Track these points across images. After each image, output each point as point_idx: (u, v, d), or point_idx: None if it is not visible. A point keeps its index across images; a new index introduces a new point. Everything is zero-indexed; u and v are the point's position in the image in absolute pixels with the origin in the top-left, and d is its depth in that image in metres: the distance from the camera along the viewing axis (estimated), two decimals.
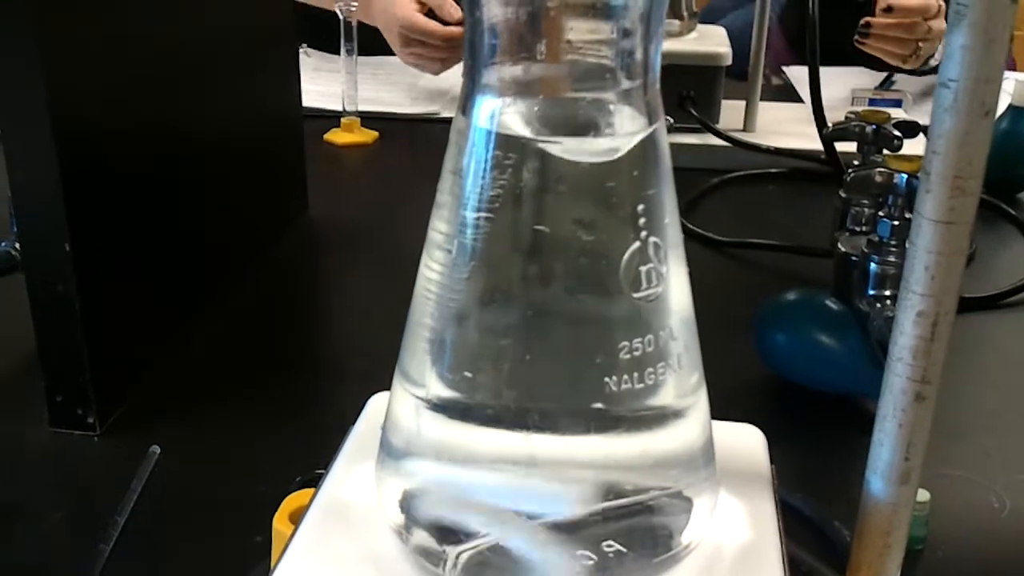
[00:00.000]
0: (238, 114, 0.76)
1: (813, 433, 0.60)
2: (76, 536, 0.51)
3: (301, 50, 1.06)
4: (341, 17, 1.07)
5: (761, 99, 1.09)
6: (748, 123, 1.08)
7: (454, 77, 1.24)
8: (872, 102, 1.24)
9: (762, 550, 0.33)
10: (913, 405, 0.31)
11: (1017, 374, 0.70)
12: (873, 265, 0.60)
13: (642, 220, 0.30)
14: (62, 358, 0.56)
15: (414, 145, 1.10)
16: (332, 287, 0.80)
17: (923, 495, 0.50)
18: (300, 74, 0.88)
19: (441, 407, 0.31)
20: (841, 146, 0.87)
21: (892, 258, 0.59)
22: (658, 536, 0.32)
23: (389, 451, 0.33)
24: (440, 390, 0.31)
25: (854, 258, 0.62)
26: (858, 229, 0.69)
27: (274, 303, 0.76)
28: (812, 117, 0.89)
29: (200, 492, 0.54)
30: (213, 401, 0.62)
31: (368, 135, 1.10)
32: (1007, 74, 1.30)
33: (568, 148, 0.29)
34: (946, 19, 0.39)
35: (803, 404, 0.62)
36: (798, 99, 1.26)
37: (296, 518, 0.35)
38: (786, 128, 1.09)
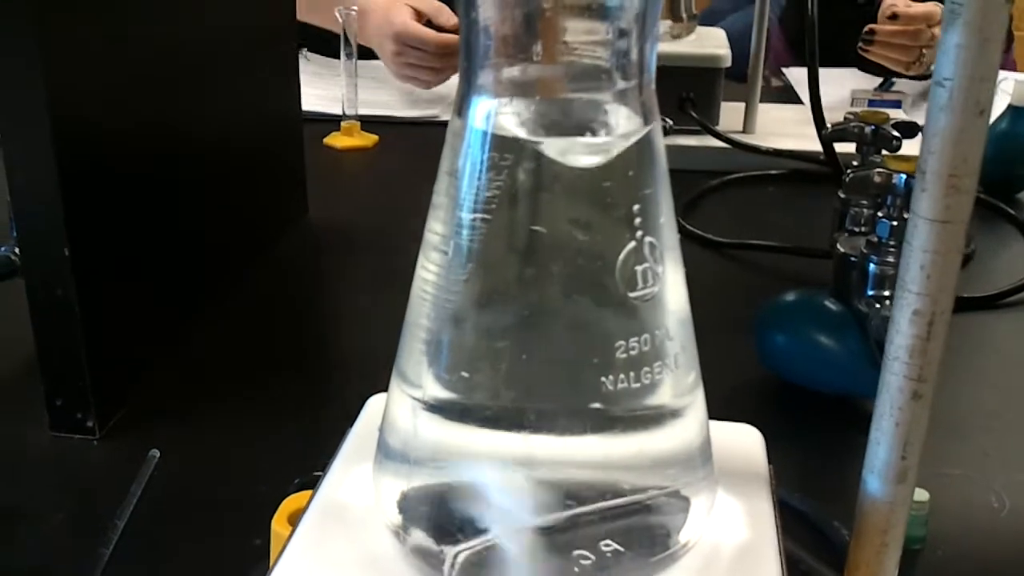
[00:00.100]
0: (238, 115, 0.76)
1: (812, 434, 0.60)
2: (76, 539, 0.51)
3: (301, 54, 1.06)
4: (340, 21, 1.07)
5: (761, 101, 1.09)
6: (748, 125, 1.08)
7: (453, 81, 1.24)
8: (872, 103, 1.24)
9: (760, 549, 0.33)
10: (910, 403, 0.31)
11: (1016, 374, 0.70)
12: (872, 266, 0.60)
13: (638, 220, 0.30)
14: (62, 362, 0.56)
15: (413, 149, 1.10)
16: (331, 289, 0.81)
17: (922, 495, 0.50)
18: (299, 76, 0.88)
19: (438, 408, 0.31)
20: (840, 147, 0.87)
21: (891, 258, 0.59)
22: (656, 535, 0.32)
23: (386, 452, 0.33)
24: (437, 391, 0.31)
25: (853, 259, 0.62)
26: (857, 230, 0.69)
27: (273, 305, 0.76)
28: (811, 118, 0.89)
29: (199, 494, 0.54)
30: (213, 403, 0.62)
31: (368, 139, 1.10)
32: (1007, 74, 1.30)
33: (564, 149, 0.29)
34: None
35: (802, 405, 0.62)
36: (798, 100, 1.26)
37: (295, 520, 0.35)
38: (786, 129, 1.09)
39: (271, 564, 0.33)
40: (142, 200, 0.62)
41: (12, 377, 0.65)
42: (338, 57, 1.10)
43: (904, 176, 0.61)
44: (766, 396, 0.64)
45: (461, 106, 0.30)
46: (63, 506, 0.53)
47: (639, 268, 0.30)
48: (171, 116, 0.65)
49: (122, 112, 0.59)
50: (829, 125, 0.86)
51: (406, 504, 0.32)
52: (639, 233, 0.30)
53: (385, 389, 0.34)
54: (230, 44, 0.74)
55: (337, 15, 1.07)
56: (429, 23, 1.20)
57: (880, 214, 0.61)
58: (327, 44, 1.24)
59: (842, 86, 1.30)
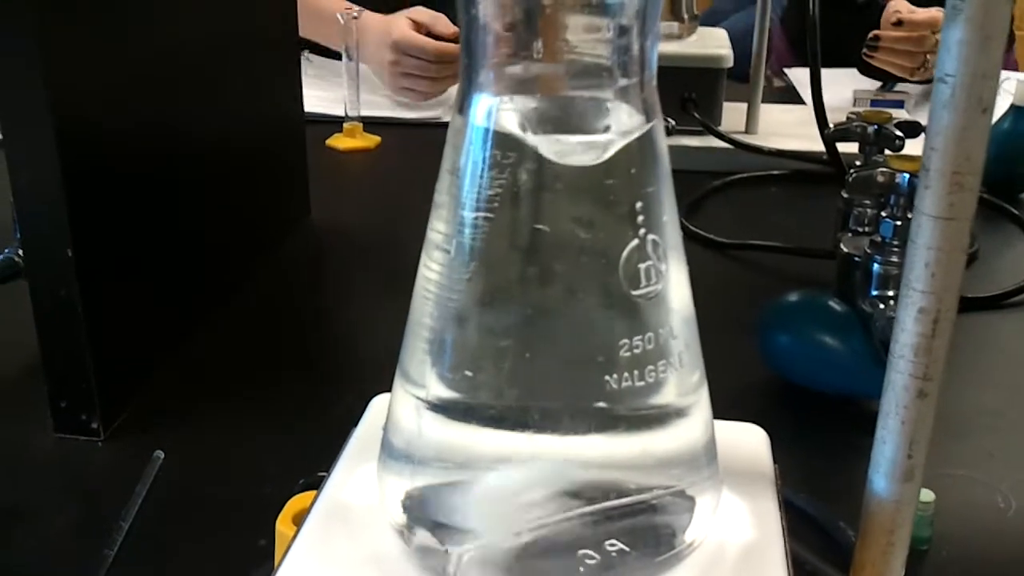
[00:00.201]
0: (240, 117, 0.76)
1: (816, 434, 0.60)
2: (81, 540, 0.51)
3: (303, 56, 1.06)
4: (343, 23, 1.07)
5: (763, 101, 1.09)
6: (750, 125, 1.08)
7: (455, 83, 1.24)
8: (874, 103, 1.24)
9: (765, 549, 0.33)
10: (915, 402, 0.31)
11: (1021, 374, 0.70)
12: (876, 265, 0.60)
13: (641, 217, 0.30)
14: (66, 363, 0.56)
15: (415, 150, 1.10)
16: (334, 290, 0.81)
17: (928, 495, 0.50)
18: (302, 77, 0.88)
19: (441, 407, 0.31)
20: (843, 147, 0.87)
21: (895, 258, 0.59)
22: (661, 535, 0.31)
23: (390, 452, 0.33)
24: (440, 390, 0.31)
25: (857, 259, 0.62)
26: (860, 230, 0.69)
27: (277, 306, 0.76)
28: (814, 118, 0.89)
29: (204, 495, 0.54)
30: (217, 404, 0.62)
31: (370, 140, 1.10)
32: (1009, 74, 1.30)
33: (566, 146, 0.29)
34: None
35: (807, 406, 0.62)
36: (800, 101, 1.26)
37: (299, 520, 0.35)
38: (788, 130, 1.09)
39: (276, 564, 0.33)
40: (145, 201, 0.62)
41: (16, 379, 0.65)
42: (340, 59, 1.10)
43: (907, 176, 0.61)
44: (770, 397, 0.64)
45: (462, 104, 0.30)
46: (67, 507, 0.53)
47: (642, 266, 0.30)
48: (173, 117, 0.65)
49: (125, 113, 0.59)
50: (831, 125, 0.86)
51: (410, 504, 0.32)
52: (642, 231, 0.30)
53: (389, 389, 0.34)
54: (232, 45, 0.74)
55: (339, 17, 1.07)
56: (428, 35, 1.20)
57: (883, 214, 0.61)
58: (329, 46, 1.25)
59: (844, 86, 1.30)
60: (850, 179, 0.73)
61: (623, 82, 0.30)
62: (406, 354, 0.33)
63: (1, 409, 0.62)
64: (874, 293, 0.60)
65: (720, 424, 0.35)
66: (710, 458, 0.33)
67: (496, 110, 0.30)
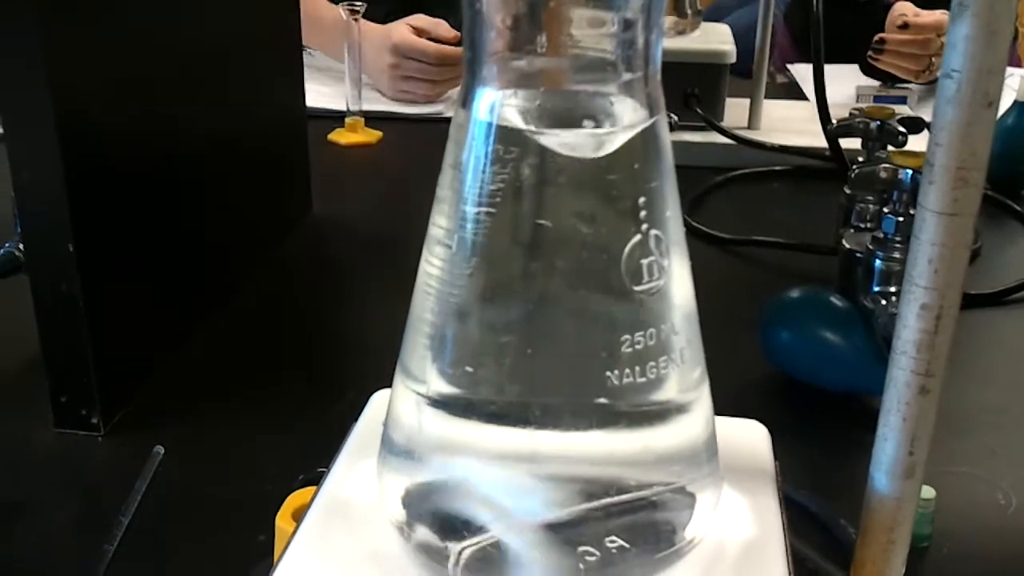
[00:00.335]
0: (242, 113, 0.76)
1: (819, 431, 0.60)
2: (81, 536, 0.51)
3: (305, 51, 1.06)
4: (345, 18, 1.07)
5: (766, 97, 1.09)
6: (753, 121, 1.08)
7: (455, 86, 1.24)
8: (877, 99, 1.24)
9: (766, 545, 0.33)
10: (917, 399, 0.31)
11: (1023, 370, 0.69)
12: (878, 261, 0.60)
13: (643, 213, 0.29)
14: (66, 358, 0.56)
15: (417, 145, 1.09)
16: (336, 287, 0.80)
17: (929, 492, 0.50)
18: (303, 72, 0.88)
19: (442, 403, 0.31)
20: (846, 143, 0.87)
21: (897, 254, 0.59)
22: (661, 532, 0.31)
23: (390, 448, 0.33)
24: (441, 386, 0.31)
25: (859, 255, 0.61)
26: (863, 226, 0.68)
27: (278, 302, 0.76)
28: (817, 114, 0.89)
29: (204, 491, 0.54)
30: (217, 400, 0.62)
31: (372, 135, 1.10)
32: (1013, 70, 1.30)
33: (568, 140, 0.29)
34: None
35: (808, 402, 0.62)
36: (803, 97, 1.26)
37: (299, 516, 0.35)
38: (791, 126, 1.09)
39: (275, 560, 0.33)
40: (146, 197, 0.62)
41: (17, 373, 0.65)
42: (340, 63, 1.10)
43: (910, 172, 0.61)
44: (772, 393, 0.64)
45: (465, 98, 0.30)
46: (67, 503, 0.53)
47: (644, 261, 0.29)
48: (175, 113, 0.65)
49: (126, 109, 0.59)
50: (834, 121, 0.86)
51: (410, 500, 0.32)
52: (644, 226, 0.29)
53: (390, 385, 0.34)
54: (233, 41, 0.74)
55: (341, 12, 1.07)
56: (429, 40, 1.21)
57: (886, 210, 0.61)
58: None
59: (848, 82, 1.30)
60: (852, 175, 0.72)
61: (627, 76, 0.30)
62: (407, 350, 0.32)
63: (2, 404, 0.62)
64: (876, 289, 0.60)
65: (721, 420, 0.35)
66: (711, 454, 0.33)
67: (499, 104, 0.30)
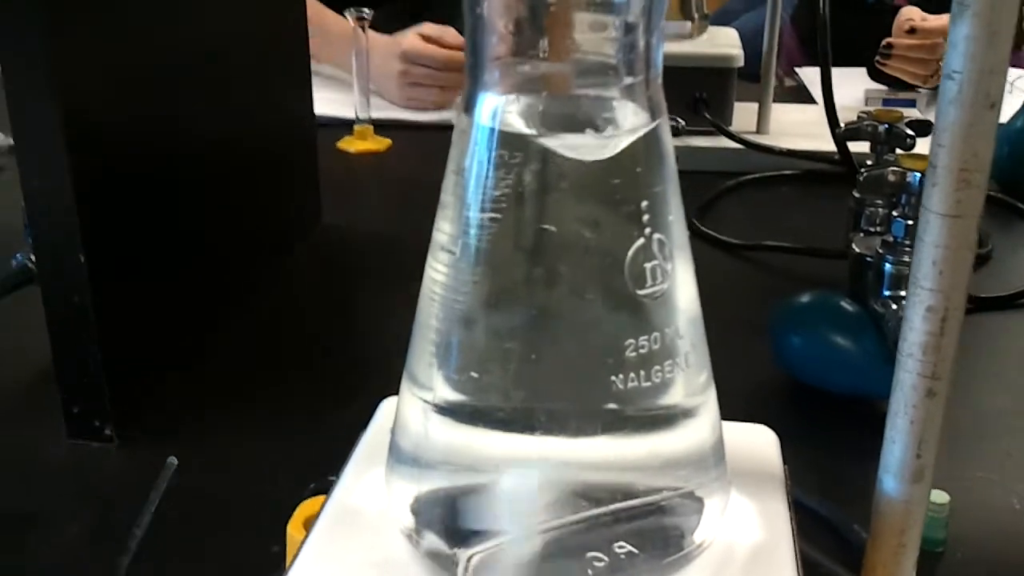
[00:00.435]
0: (252, 121, 0.76)
1: (830, 435, 0.60)
2: (94, 547, 0.51)
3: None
4: (353, 25, 1.08)
5: (774, 101, 1.08)
6: (761, 125, 1.08)
7: None
8: (886, 102, 1.24)
9: (775, 549, 0.33)
10: (924, 401, 0.31)
11: None
12: (888, 265, 0.60)
13: (646, 217, 0.29)
14: (78, 369, 0.56)
15: (427, 152, 1.10)
16: (346, 294, 0.81)
17: (943, 497, 0.49)
18: (312, 80, 0.89)
19: (448, 410, 0.31)
20: (855, 146, 0.87)
21: (907, 258, 0.59)
22: (669, 536, 0.31)
23: (398, 455, 0.33)
24: (447, 393, 0.31)
25: (869, 259, 0.61)
26: (872, 230, 0.68)
27: (290, 311, 0.76)
28: (825, 118, 0.89)
29: (218, 501, 0.54)
30: (230, 410, 0.62)
31: (381, 142, 1.11)
32: (1021, 72, 1.30)
33: (571, 144, 0.29)
34: None
35: (819, 407, 0.62)
36: (811, 100, 1.26)
37: (309, 524, 0.35)
38: (800, 130, 1.08)
39: (286, 568, 0.33)
40: (157, 206, 0.62)
41: (29, 384, 0.65)
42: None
43: (919, 174, 0.60)
44: (782, 398, 0.63)
45: (468, 103, 0.30)
46: (81, 514, 0.53)
47: (648, 265, 0.29)
48: (184, 123, 0.66)
49: (136, 119, 0.60)
50: (843, 124, 0.86)
51: (419, 507, 0.32)
52: (647, 230, 0.29)
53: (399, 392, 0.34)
54: (243, 50, 0.74)
55: (347, 16, 1.07)
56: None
57: (895, 213, 0.61)
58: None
59: (856, 85, 1.30)
60: (861, 178, 0.72)
61: (628, 80, 0.30)
62: (413, 357, 0.33)
63: (14, 414, 0.62)
64: (886, 293, 0.60)
65: (729, 425, 0.35)
66: (718, 459, 0.33)
67: (502, 109, 0.30)
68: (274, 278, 0.79)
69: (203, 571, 0.49)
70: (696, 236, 0.86)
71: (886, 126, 0.77)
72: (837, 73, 0.93)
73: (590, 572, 0.30)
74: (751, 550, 0.33)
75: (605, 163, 0.30)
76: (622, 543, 0.30)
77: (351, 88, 1.11)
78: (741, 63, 1.04)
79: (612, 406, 0.30)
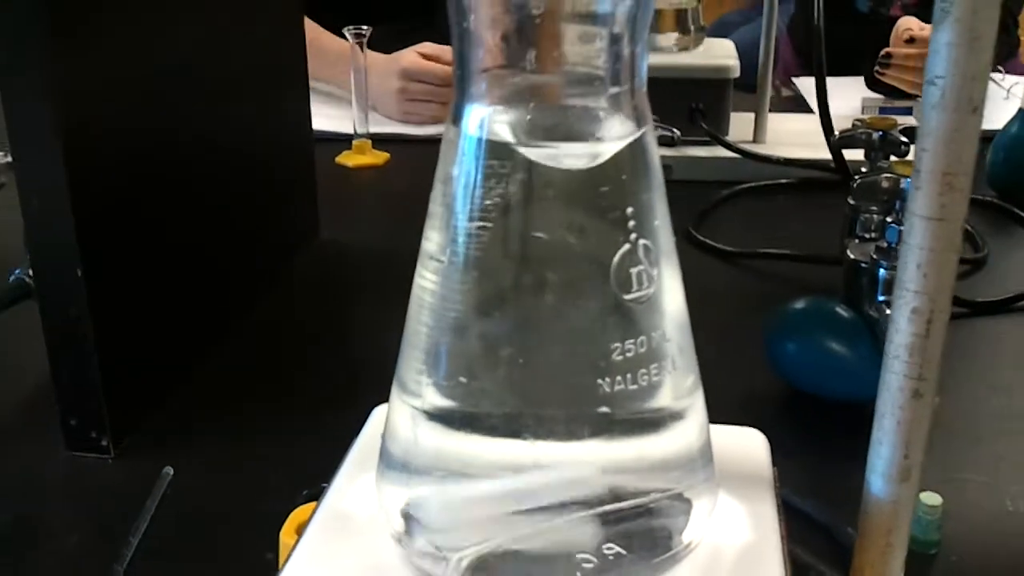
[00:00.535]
0: (250, 137, 0.77)
1: (824, 441, 0.60)
2: (91, 557, 0.51)
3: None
4: (351, 41, 1.08)
5: (771, 110, 1.09)
6: (758, 135, 1.08)
7: None
8: (883, 111, 1.24)
9: (762, 550, 0.33)
10: (911, 402, 0.31)
11: None
12: (882, 271, 0.60)
13: (632, 223, 0.30)
14: (76, 382, 0.57)
15: (425, 166, 1.09)
16: (344, 309, 0.81)
17: (936, 499, 0.50)
18: (310, 96, 0.89)
19: (437, 416, 0.31)
20: (850, 154, 0.87)
21: None
22: (657, 538, 0.32)
23: (388, 461, 0.34)
24: (435, 399, 0.31)
25: (863, 265, 0.62)
26: (867, 236, 0.68)
27: (286, 324, 0.76)
28: (821, 127, 0.89)
29: (213, 511, 0.54)
30: (226, 421, 0.63)
31: (379, 157, 1.11)
32: (1017, 79, 1.30)
33: (557, 154, 0.30)
34: None
35: (814, 413, 0.62)
36: (808, 110, 1.26)
37: (302, 531, 0.36)
38: (796, 139, 1.09)
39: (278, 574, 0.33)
40: (155, 221, 0.63)
41: (27, 397, 0.65)
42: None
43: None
44: (777, 404, 0.64)
45: (456, 114, 0.31)
46: (78, 524, 0.54)
47: (634, 271, 0.30)
48: (181, 138, 0.66)
49: (134, 134, 0.60)
50: (837, 132, 0.86)
51: (409, 511, 0.33)
52: (633, 235, 0.30)
53: None
54: (241, 65, 0.75)
55: (346, 34, 1.08)
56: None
57: (889, 219, 0.61)
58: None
59: (853, 95, 1.30)
60: (856, 185, 0.73)
61: (614, 90, 0.30)
62: (402, 364, 0.33)
63: (13, 427, 0.63)
64: (881, 299, 0.60)
65: (719, 428, 0.35)
66: (706, 461, 0.33)
67: (489, 120, 0.30)
68: (273, 291, 0.79)
69: None
70: (693, 245, 0.86)
71: (880, 133, 0.78)
72: (833, 82, 0.93)
73: (579, 573, 0.30)
74: (738, 551, 0.33)
75: (591, 171, 0.30)
76: (610, 544, 0.31)
77: (349, 104, 1.11)
78: (737, 74, 1.05)
79: (600, 409, 0.30)
